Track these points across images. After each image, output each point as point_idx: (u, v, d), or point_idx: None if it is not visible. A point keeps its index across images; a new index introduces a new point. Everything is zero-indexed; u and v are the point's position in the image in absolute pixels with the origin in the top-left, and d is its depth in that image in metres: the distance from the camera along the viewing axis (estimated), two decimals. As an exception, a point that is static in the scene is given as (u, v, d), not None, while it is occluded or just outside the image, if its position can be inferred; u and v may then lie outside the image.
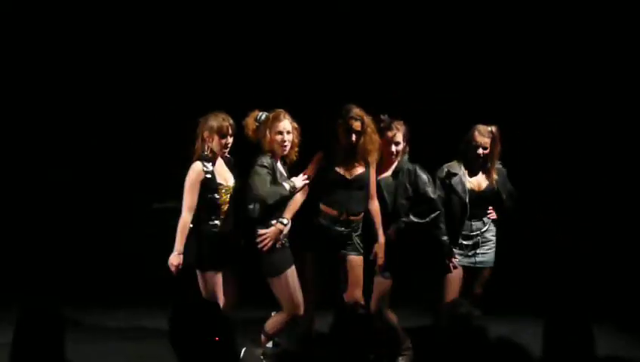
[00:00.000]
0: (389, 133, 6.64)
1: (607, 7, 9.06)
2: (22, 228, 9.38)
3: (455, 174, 6.73)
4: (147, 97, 9.50)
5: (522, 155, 9.26)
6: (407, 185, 6.59)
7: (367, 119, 6.44)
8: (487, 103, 9.27)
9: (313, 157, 6.54)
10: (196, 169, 6.06)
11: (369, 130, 6.43)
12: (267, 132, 6.31)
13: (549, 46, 9.23)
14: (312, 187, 6.44)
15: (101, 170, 9.56)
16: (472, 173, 6.82)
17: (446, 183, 6.72)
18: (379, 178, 6.63)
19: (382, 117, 6.65)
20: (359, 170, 6.48)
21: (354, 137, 6.39)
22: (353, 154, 6.45)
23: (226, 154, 6.23)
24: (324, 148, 6.52)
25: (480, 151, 6.68)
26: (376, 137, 6.48)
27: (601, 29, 9.10)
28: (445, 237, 6.57)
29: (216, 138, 6.06)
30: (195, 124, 6.23)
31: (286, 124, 6.36)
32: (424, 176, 6.63)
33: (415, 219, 6.58)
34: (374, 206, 6.57)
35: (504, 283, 6.93)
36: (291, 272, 6.27)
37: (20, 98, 9.46)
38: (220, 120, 6.08)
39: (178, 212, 6.03)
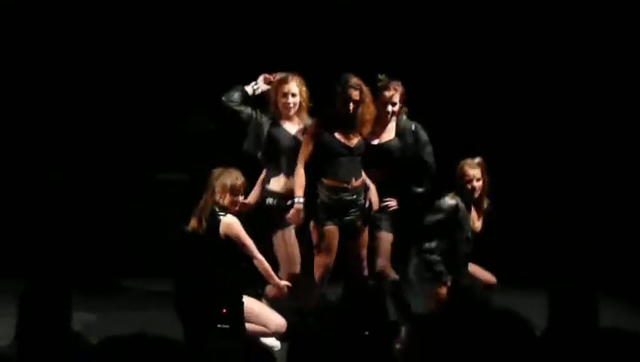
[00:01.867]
0: (387, 93, 6.68)
1: (607, 7, 9.10)
2: (22, 227, 9.34)
3: (461, 208, 6.56)
4: (147, 97, 9.50)
5: (522, 155, 9.32)
6: (412, 145, 6.66)
7: (366, 89, 6.48)
8: (486, 103, 9.32)
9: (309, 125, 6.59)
10: (234, 220, 6.12)
11: (367, 99, 6.47)
12: (273, 93, 6.47)
13: (549, 46, 9.25)
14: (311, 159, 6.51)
15: (101, 170, 9.56)
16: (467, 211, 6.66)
17: (450, 217, 6.54)
18: (383, 142, 6.69)
19: (379, 76, 6.69)
20: (357, 138, 6.52)
21: (351, 106, 6.42)
22: (351, 123, 6.48)
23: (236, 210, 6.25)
24: (321, 117, 6.55)
25: (475, 183, 6.56)
26: (373, 107, 6.52)
27: (601, 29, 9.12)
28: (441, 267, 6.40)
29: (228, 196, 6.10)
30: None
31: (292, 86, 6.56)
32: (425, 137, 6.69)
33: (418, 190, 6.64)
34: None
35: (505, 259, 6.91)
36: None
37: (20, 98, 9.44)
38: (233, 178, 6.13)
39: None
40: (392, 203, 6.75)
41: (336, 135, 6.47)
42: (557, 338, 3.79)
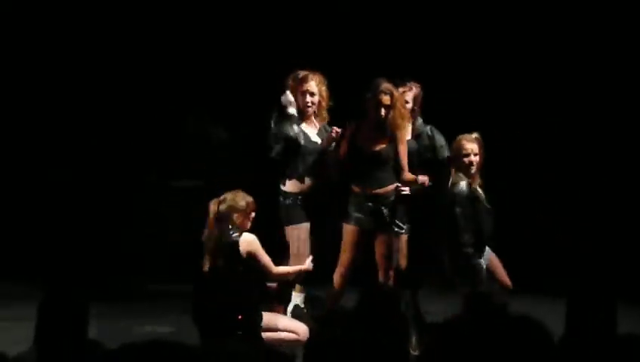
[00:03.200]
0: (400, 90, 6.67)
1: (606, 7, 9.12)
2: (21, 228, 9.34)
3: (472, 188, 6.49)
4: (147, 98, 9.51)
5: (522, 155, 9.34)
6: (429, 147, 6.66)
7: (397, 93, 6.46)
8: (486, 103, 9.33)
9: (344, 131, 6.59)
10: (253, 237, 5.93)
11: (398, 104, 6.45)
12: (293, 92, 6.46)
13: (549, 46, 9.28)
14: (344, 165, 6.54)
15: (101, 171, 9.55)
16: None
17: (467, 198, 6.43)
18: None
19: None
20: (382, 145, 6.49)
21: (383, 111, 6.41)
22: (382, 129, 6.47)
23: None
24: (351, 124, 6.56)
25: (472, 158, 6.49)
26: (405, 111, 6.51)
27: (600, 29, 9.15)
28: (475, 260, 6.35)
29: (244, 217, 5.93)
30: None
31: (311, 85, 6.52)
32: (442, 140, 6.69)
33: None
34: (408, 176, 6.53)
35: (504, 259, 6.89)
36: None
37: (21, 98, 9.44)
38: (247, 198, 5.95)
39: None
40: (405, 189, 6.66)
41: (363, 142, 6.47)
42: (575, 345, 3.80)
